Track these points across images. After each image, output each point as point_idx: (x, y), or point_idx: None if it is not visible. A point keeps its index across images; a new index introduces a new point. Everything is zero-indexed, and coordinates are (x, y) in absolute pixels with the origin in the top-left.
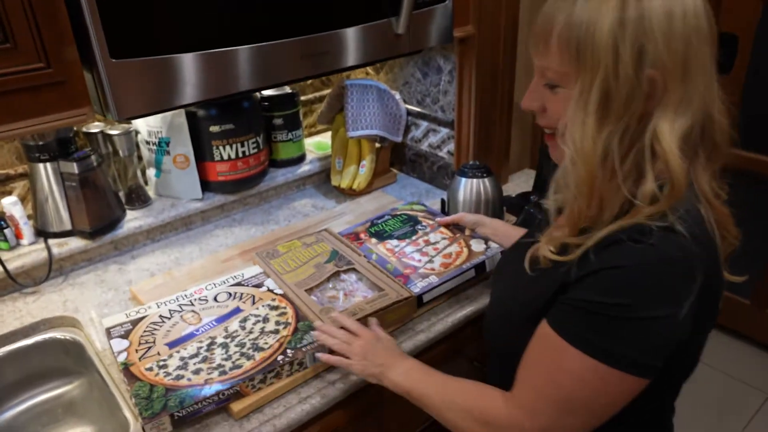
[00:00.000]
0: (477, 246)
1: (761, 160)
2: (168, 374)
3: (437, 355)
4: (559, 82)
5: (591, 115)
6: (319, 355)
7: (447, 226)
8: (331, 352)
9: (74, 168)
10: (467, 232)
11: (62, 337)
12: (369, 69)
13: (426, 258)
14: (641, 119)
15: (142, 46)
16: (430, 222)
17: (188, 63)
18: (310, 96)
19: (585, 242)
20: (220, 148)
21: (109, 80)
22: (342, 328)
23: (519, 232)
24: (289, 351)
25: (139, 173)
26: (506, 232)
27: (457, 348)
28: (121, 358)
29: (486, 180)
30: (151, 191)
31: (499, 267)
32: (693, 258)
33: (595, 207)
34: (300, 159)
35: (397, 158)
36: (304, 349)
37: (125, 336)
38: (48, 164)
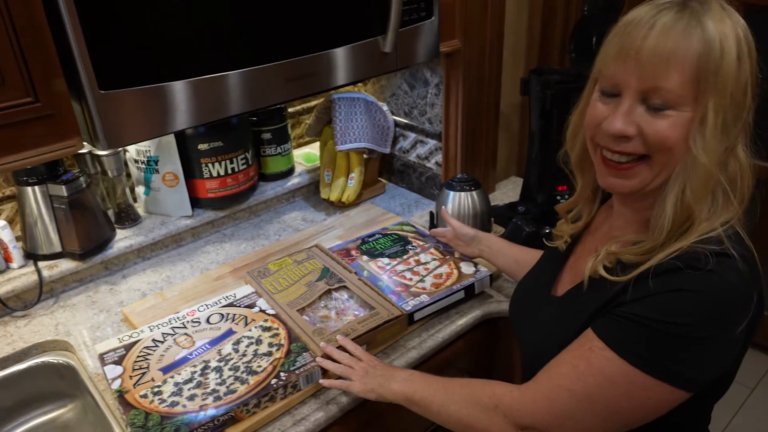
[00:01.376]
0: (467, 268)
1: None
2: (163, 401)
3: (429, 369)
4: (675, 105)
5: (718, 132)
6: (322, 381)
7: (437, 247)
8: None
9: (63, 191)
10: (456, 255)
11: (55, 362)
12: None
13: (417, 277)
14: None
15: (131, 76)
16: (420, 243)
17: (177, 91)
18: (298, 108)
19: (642, 263)
20: (209, 165)
21: (98, 112)
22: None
23: (512, 249)
24: (282, 374)
25: (128, 191)
26: (499, 248)
27: (449, 361)
28: (116, 385)
29: (474, 193)
30: (140, 208)
31: (523, 301)
32: (749, 280)
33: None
34: (289, 172)
35: (385, 168)
36: (297, 372)
37: (119, 362)
38: (36, 187)
